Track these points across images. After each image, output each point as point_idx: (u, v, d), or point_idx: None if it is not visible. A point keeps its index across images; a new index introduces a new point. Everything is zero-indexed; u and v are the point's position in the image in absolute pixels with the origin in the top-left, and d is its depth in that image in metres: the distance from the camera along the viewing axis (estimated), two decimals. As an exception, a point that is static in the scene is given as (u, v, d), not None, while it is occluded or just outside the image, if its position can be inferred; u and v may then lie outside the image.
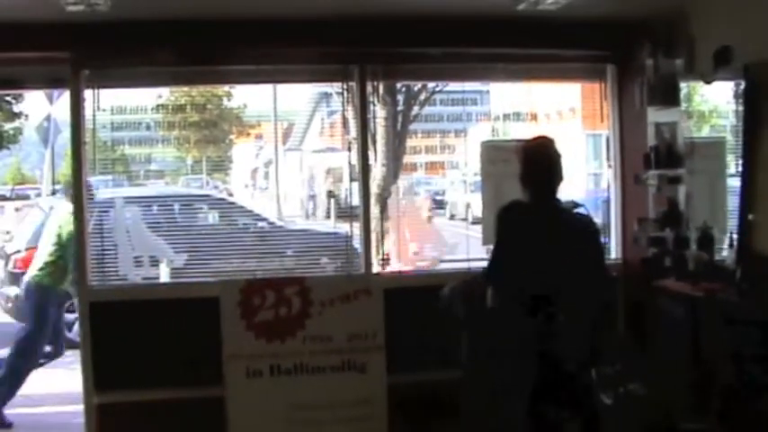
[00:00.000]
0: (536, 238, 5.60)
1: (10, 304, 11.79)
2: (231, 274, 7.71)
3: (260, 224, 8.98)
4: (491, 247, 7.45)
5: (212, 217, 9.17)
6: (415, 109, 9.18)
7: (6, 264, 11.98)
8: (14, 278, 11.71)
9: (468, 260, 7.86)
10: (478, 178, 8.10)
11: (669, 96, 7.36)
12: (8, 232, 13.25)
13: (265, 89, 8.98)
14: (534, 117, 8.32)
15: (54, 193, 24.21)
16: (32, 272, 8.68)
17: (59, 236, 8.54)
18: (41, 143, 22.84)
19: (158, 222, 8.23)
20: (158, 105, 8.07)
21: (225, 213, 9.26)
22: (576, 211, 5.83)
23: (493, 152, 7.84)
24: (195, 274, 7.86)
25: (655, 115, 7.51)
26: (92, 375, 7.31)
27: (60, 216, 8.62)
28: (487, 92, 10.39)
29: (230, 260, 7.90)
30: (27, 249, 11.76)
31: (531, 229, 5.69)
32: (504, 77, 8.41)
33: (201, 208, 9.21)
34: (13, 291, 11.62)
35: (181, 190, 10.14)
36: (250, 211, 9.07)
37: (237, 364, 7.00)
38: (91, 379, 7.31)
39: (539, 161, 5.77)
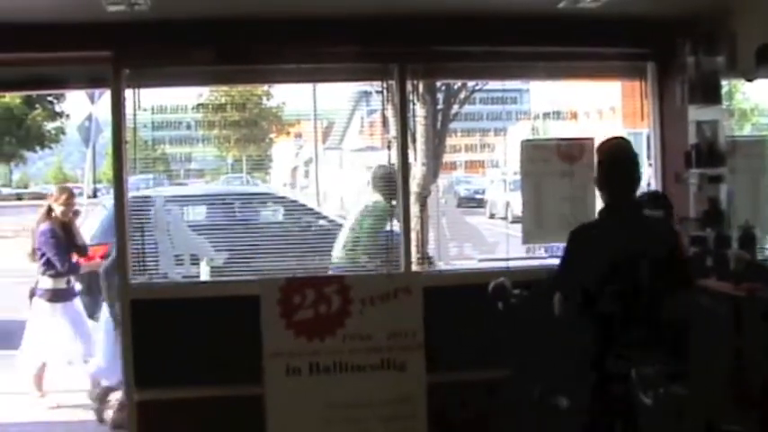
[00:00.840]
0: (619, 243, 5.41)
1: None
2: (290, 271, 7.76)
3: (320, 222, 8.94)
4: (531, 246, 7.49)
5: (272, 215, 9.18)
6: (455, 107, 9.15)
7: None
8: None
9: (508, 259, 7.85)
10: (518, 177, 8.08)
11: (710, 94, 7.32)
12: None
13: (305, 88, 9.00)
14: (574, 116, 8.29)
15: (95, 192, 24.36)
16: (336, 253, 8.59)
17: (360, 225, 8.65)
18: (83, 142, 22.99)
19: (217, 221, 8.26)
20: (198, 105, 8.10)
21: (288, 211, 9.25)
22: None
23: (533, 151, 7.83)
24: (242, 271, 7.87)
25: (696, 113, 7.47)
26: (133, 372, 7.37)
27: (365, 206, 8.72)
28: (527, 90, 10.40)
29: (295, 257, 7.92)
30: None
31: (612, 235, 5.48)
32: (544, 76, 8.40)
33: (262, 206, 9.21)
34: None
35: (241, 188, 10.17)
36: (311, 209, 9.03)
37: (277, 362, 7.01)
38: (132, 376, 7.37)
39: (618, 162, 5.57)
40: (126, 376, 7.40)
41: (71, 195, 9.67)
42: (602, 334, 5.31)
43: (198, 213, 8.77)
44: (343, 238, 8.42)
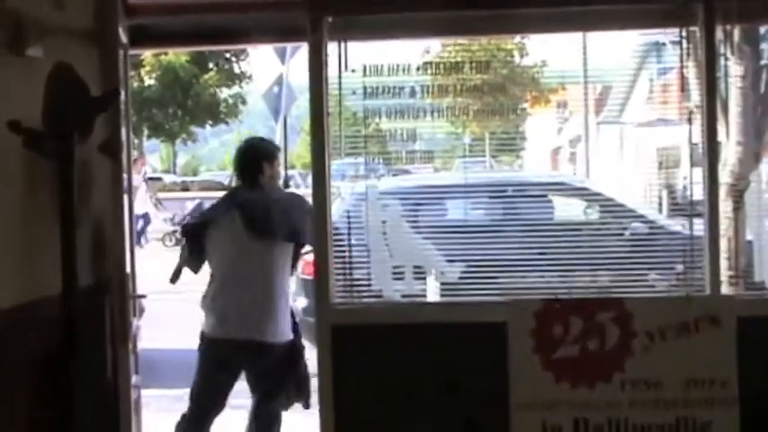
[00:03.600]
0: None
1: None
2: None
3: (635, 225, 8.87)
4: None
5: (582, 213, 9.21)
6: (788, 64, 9.02)
7: None
8: (303, 286, 12.07)
9: None
10: None
11: None
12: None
13: (571, 40, 9.00)
14: None
15: (287, 181, 24.86)
16: None
17: None
18: (270, 114, 23.53)
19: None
20: (425, 64, 8.15)
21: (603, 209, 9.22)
22: None
23: None
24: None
25: None
26: (333, 420, 7.48)
27: None
28: None
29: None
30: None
31: None
32: None
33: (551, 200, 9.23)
34: (302, 303, 11.75)
35: (523, 176, 10.22)
36: (622, 206, 8.94)
37: (530, 415, 7.07)
38: (332, 424, 7.48)
39: None
40: (324, 424, 7.51)
41: None
42: None
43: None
44: None
